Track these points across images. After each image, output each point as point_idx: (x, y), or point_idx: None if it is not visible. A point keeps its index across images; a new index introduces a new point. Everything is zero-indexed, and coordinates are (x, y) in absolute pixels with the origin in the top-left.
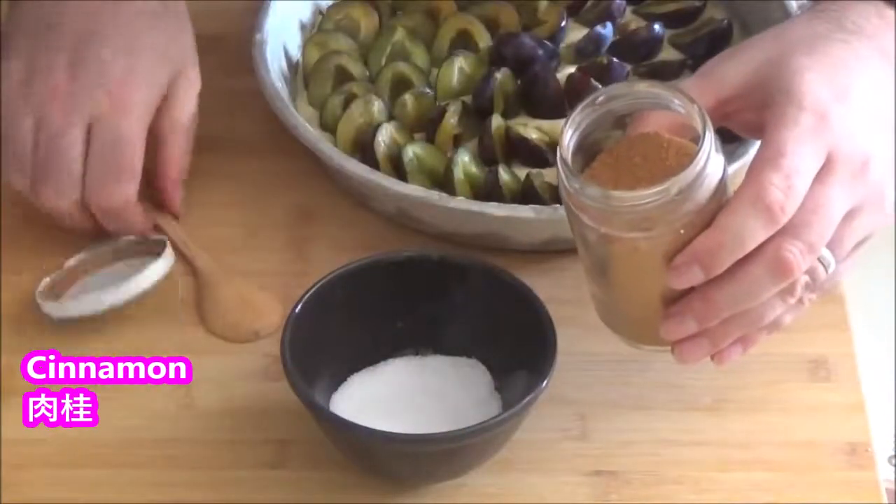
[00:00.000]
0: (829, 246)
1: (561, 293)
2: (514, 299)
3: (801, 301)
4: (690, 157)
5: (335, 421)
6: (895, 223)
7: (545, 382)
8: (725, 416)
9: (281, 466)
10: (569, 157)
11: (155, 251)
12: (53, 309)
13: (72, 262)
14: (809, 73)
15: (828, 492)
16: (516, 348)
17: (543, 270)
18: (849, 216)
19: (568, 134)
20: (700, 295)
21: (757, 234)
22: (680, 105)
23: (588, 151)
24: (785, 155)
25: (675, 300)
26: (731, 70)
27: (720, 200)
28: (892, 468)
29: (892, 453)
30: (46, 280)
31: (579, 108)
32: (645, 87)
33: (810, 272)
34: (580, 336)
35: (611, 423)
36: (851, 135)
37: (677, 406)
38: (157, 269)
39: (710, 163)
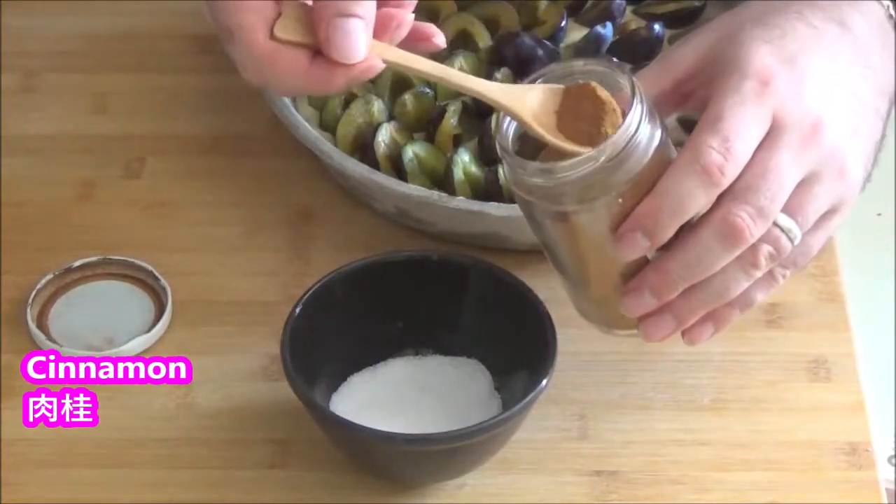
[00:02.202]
0: (791, 214)
1: (561, 293)
2: (514, 299)
3: (772, 276)
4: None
5: (335, 421)
6: (895, 211)
7: (545, 382)
8: (725, 416)
9: (281, 466)
10: (508, 141)
11: (140, 280)
12: (39, 337)
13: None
14: (756, 41)
15: (828, 492)
16: (516, 348)
17: (543, 270)
18: (807, 182)
19: (506, 120)
20: (654, 266)
21: (695, 195)
22: (617, 78)
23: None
24: (723, 119)
25: (633, 277)
26: (686, 52)
27: (662, 170)
28: (892, 468)
29: (892, 453)
30: (33, 294)
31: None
32: (581, 65)
33: (772, 242)
34: (580, 336)
35: (611, 423)
36: (798, 98)
37: (677, 406)
38: (156, 332)
39: (642, 129)
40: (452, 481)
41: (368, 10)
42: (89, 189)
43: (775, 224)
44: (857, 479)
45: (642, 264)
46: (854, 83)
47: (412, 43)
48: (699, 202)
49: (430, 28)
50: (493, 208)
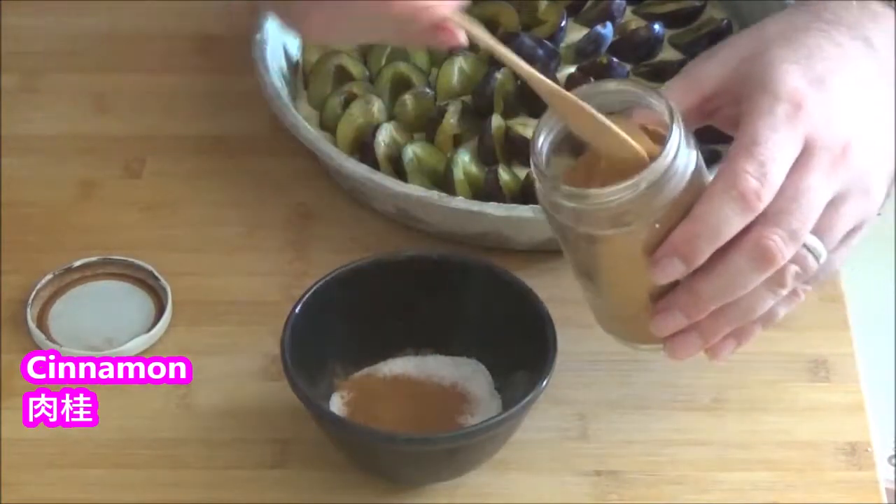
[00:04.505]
0: (818, 234)
1: (561, 293)
2: (514, 299)
3: (795, 293)
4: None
5: (335, 421)
6: (895, 212)
7: (545, 382)
8: (725, 416)
9: (281, 466)
10: (542, 160)
11: (140, 279)
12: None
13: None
14: (785, 63)
15: (828, 492)
16: (516, 348)
17: (543, 270)
18: (835, 203)
19: (540, 137)
20: (686, 288)
21: (732, 221)
22: (652, 100)
23: (568, 153)
24: (758, 143)
25: (662, 296)
26: (711, 68)
27: (697, 193)
28: (892, 468)
29: (892, 453)
30: (33, 294)
31: (550, 110)
32: (614, 86)
33: (799, 262)
34: (580, 336)
35: (611, 423)
36: (829, 121)
37: (677, 406)
38: (156, 332)
39: (680, 155)
40: (452, 481)
41: None
42: (89, 189)
43: (803, 244)
44: (857, 479)
45: (672, 284)
46: (879, 102)
47: None
48: (735, 227)
49: None
50: (493, 208)
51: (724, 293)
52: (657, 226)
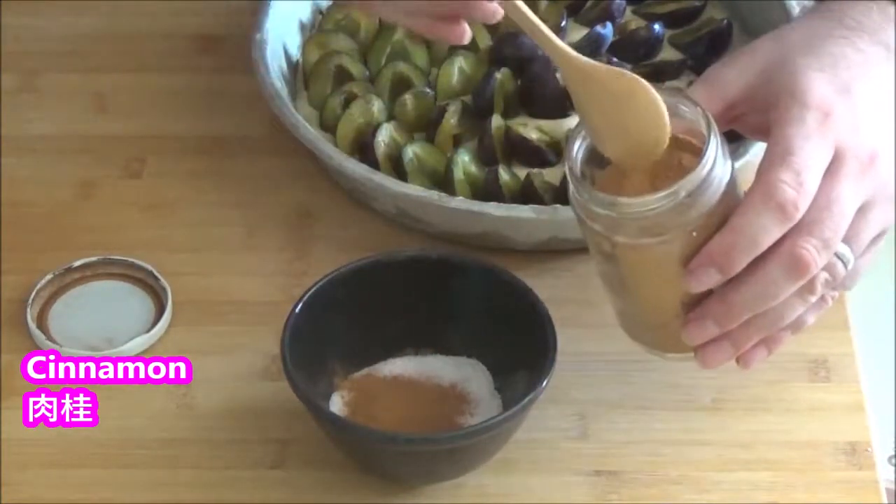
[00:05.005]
0: (846, 241)
1: (561, 293)
2: (514, 299)
3: (823, 299)
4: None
5: (335, 421)
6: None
7: (545, 382)
8: (726, 416)
9: (281, 466)
10: (577, 167)
11: (140, 279)
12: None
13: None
14: (811, 71)
15: (828, 492)
16: (516, 348)
17: (543, 270)
18: (862, 210)
19: (575, 144)
20: (719, 297)
21: (770, 232)
22: (685, 109)
23: (601, 160)
24: (793, 153)
25: (694, 305)
26: (734, 75)
27: (731, 202)
28: (892, 468)
29: (892, 453)
30: (33, 294)
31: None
32: None
33: (829, 269)
34: (580, 336)
35: (611, 423)
36: (857, 129)
37: (677, 406)
38: (156, 332)
39: (717, 165)
40: (452, 481)
41: None
42: (89, 189)
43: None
44: (857, 479)
45: (703, 293)
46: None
47: None
48: (772, 237)
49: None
50: (493, 208)
51: (757, 302)
52: (694, 234)
